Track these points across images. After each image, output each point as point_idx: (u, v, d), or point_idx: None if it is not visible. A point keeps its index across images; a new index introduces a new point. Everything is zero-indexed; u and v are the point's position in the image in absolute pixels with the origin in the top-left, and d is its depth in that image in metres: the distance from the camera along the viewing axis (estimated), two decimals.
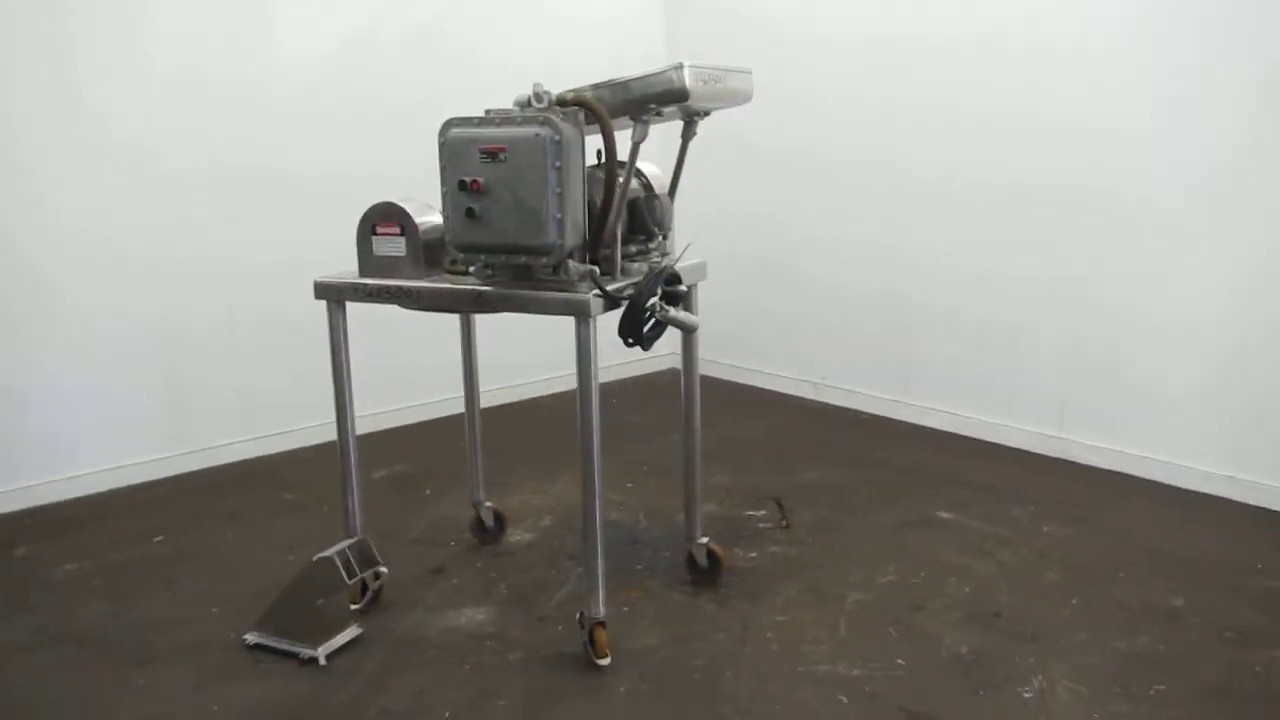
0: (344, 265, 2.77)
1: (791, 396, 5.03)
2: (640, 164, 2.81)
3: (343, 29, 4.34)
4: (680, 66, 2.32)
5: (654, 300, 2.56)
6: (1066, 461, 4.00)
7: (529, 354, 4.87)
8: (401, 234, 2.65)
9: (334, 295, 2.73)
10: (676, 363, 5.71)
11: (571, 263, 2.42)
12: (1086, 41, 3.77)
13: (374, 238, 2.68)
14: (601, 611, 2.63)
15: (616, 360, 5.48)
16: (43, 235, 3.74)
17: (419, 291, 2.61)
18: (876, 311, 4.64)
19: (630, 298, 2.49)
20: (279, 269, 4.14)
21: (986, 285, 4.21)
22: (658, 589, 3.07)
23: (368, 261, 2.70)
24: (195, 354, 4.11)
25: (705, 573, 3.09)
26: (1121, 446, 3.86)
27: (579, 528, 3.54)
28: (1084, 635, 2.75)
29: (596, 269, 2.43)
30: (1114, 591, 2.98)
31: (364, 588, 2.95)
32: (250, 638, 2.77)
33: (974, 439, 4.30)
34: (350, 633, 2.78)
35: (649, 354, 5.52)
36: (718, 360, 5.44)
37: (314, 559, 2.69)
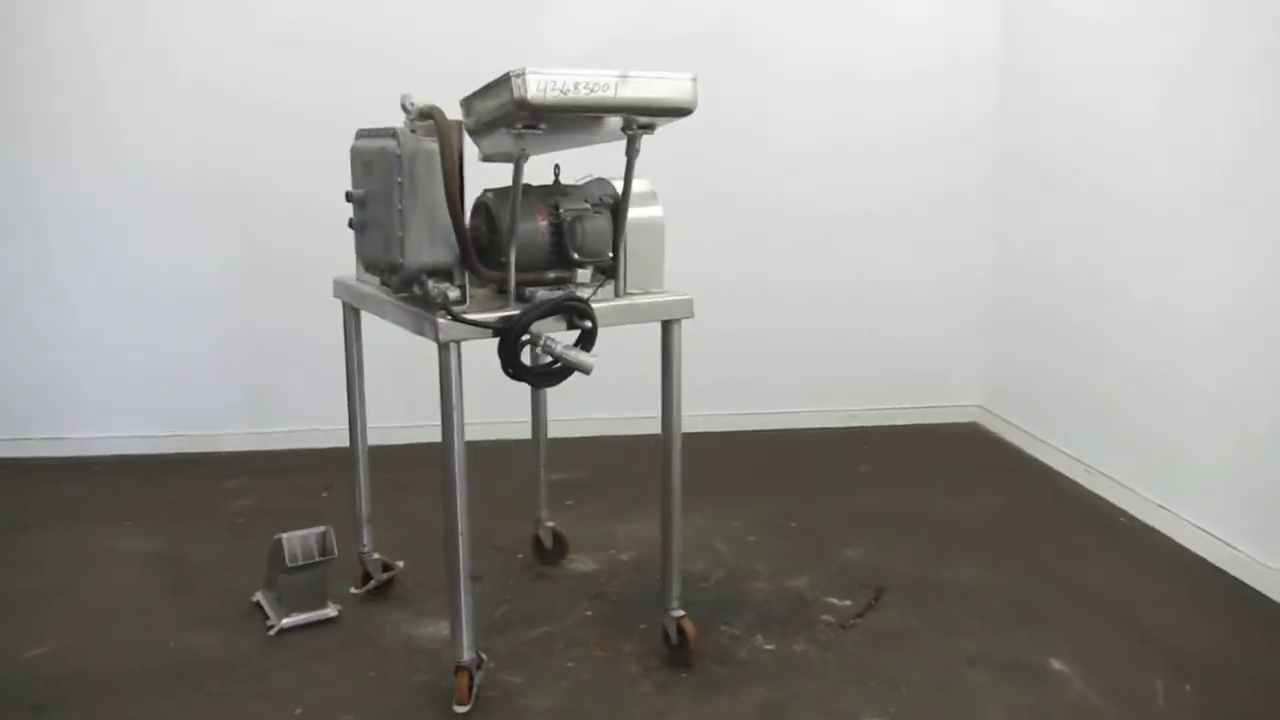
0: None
1: (1061, 475, 4.08)
2: (616, 181, 2.55)
3: (613, 26, 4.31)
4: (521, 73, 2.06)
5: (544, 335, 2.32)
6: None
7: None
8: None
9: (337, 294, 2.88)
10: (981, 416, 4.94)
11: (431, 282, 2.28)
12: None
13: None
14: (465, 656, 2.46)
15: (907, 404, 4.91)
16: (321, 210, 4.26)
17: (370, 297, 2.66)
18: (1153, 391, 3.57)
19: (501, 327, 2.28)
20: None
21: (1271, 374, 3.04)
22: (627, 655, 2.76)
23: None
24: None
25: (679, 649, 2.70)
26: None
27: (649, 567, 3.32)
28: None
29: (449, 291, 2.26)
30: None
31: (366, 575, 3.07)
32: (256, 596, 3.05)
33: (1226, 574, 3.13)
34: (324, 613, 2.93)
35: (950, 402, 4.95)
36: (1008, 419, 4.60)
37: (274, 538, 2.88)
